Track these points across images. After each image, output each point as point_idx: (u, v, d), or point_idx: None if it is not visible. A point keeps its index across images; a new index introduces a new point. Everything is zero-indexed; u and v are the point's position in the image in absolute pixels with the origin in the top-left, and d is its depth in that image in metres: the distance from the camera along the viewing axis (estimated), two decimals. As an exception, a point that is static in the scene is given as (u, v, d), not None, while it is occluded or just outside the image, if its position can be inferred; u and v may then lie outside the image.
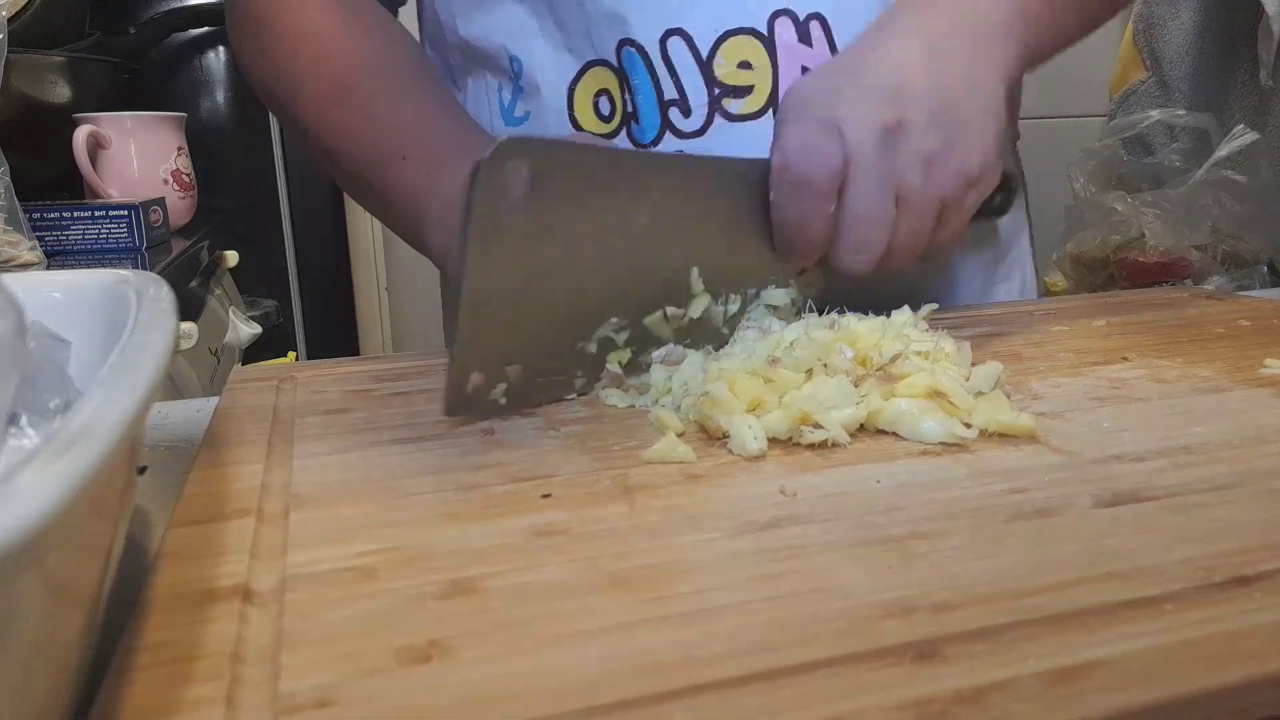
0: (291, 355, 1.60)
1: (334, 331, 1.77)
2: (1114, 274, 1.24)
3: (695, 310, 0.43)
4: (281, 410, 0.40)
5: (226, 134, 1.64)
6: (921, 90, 0.43)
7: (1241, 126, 1.17)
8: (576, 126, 0.55)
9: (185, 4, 1.58)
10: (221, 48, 1.63)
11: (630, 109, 0.53)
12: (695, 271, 0.43)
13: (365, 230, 1.79)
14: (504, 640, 0.22)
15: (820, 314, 0.44)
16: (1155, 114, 1.27)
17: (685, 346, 0.42)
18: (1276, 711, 0.21)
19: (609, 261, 0.40)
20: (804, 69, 0.52)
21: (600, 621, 0.23)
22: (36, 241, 0.93)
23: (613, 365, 0.41)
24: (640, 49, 0.52)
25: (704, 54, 0.52)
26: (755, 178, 0.44)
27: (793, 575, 0.25)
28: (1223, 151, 1.17)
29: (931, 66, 0.43)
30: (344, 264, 1.78)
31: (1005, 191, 0.57)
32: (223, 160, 1.59)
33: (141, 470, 0.38)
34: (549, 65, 0.55)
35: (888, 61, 0.44)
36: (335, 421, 0.38)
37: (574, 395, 0.40)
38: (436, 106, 0.54)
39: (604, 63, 0.54)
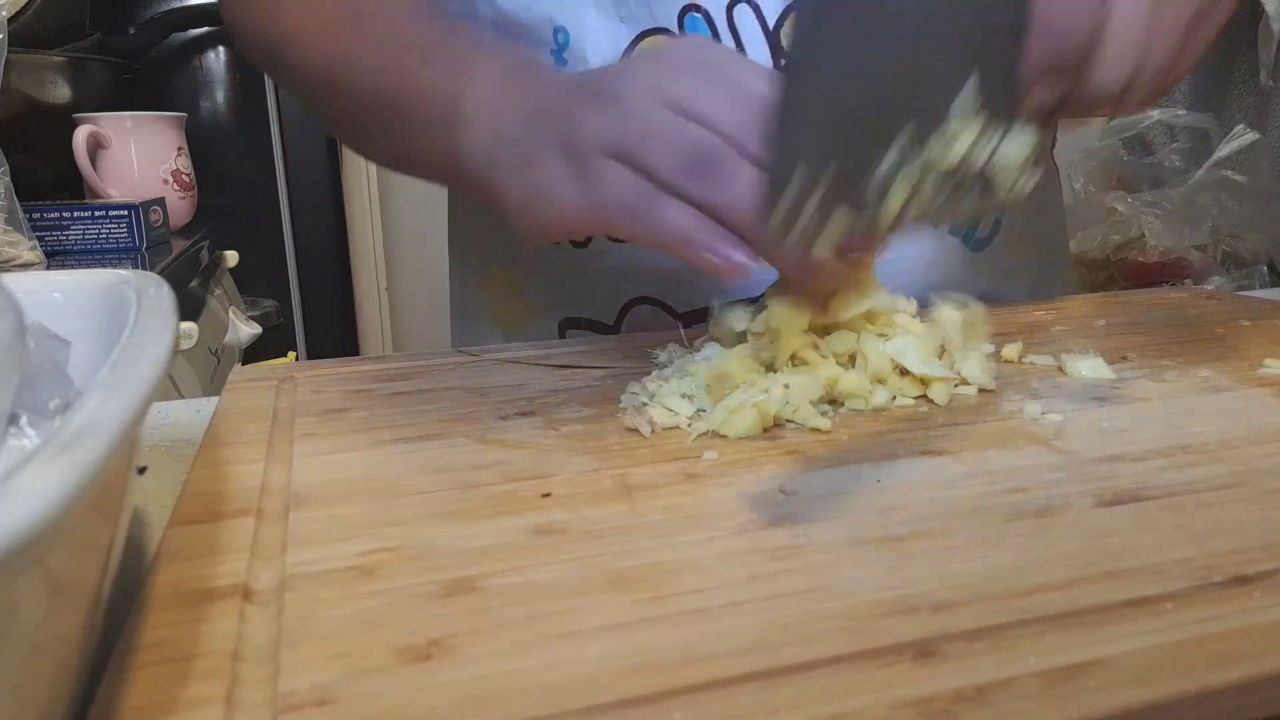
0: (291, 355, 1.60)
1: (334, 331, 1.77)
2: (1114, 274, 1.24)
3: (962, 143, 0.38)
4: (281, 410, 0.40)
5: (226, 134, 1.64)
6: None
7: (1241, 126, 1.17)
8: None
9: (185, 4, 1.58)
10: (222, 48, 1.63)
11: None
12: (973, 81, 0.37)
13: (365, 230, 1.79)
14: (504, 639, 0.22)
15: None
16: (1155, 114, 1.27)
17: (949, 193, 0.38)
18: (1276, 710, 0.21)
19: (899, 61, 0.36)
20: None
21: (600, 620, 0.23)
22: (36, 241, 0.93)
23: (892, 206, 0.36)
24: (706, 15, 0.52)
25: (771, 23, 0.52)
26: None
27: (792, 574, 0.25)
28: (1223, 151, 1.17)
29: None
30: (344, 264, 1.78)
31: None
32: (223, 160, 1.59)
33: (141, 470, 0.38)
34: (601, 36, 0.54)
35: None
36: (335, 421, 0.38)
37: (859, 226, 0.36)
38: (453, 21, 0.52)
39: (663, 31, 0.53)
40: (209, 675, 0.21)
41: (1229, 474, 0.31)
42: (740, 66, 0.39)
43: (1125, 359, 0.44)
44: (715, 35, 0.52)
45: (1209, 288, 1.00)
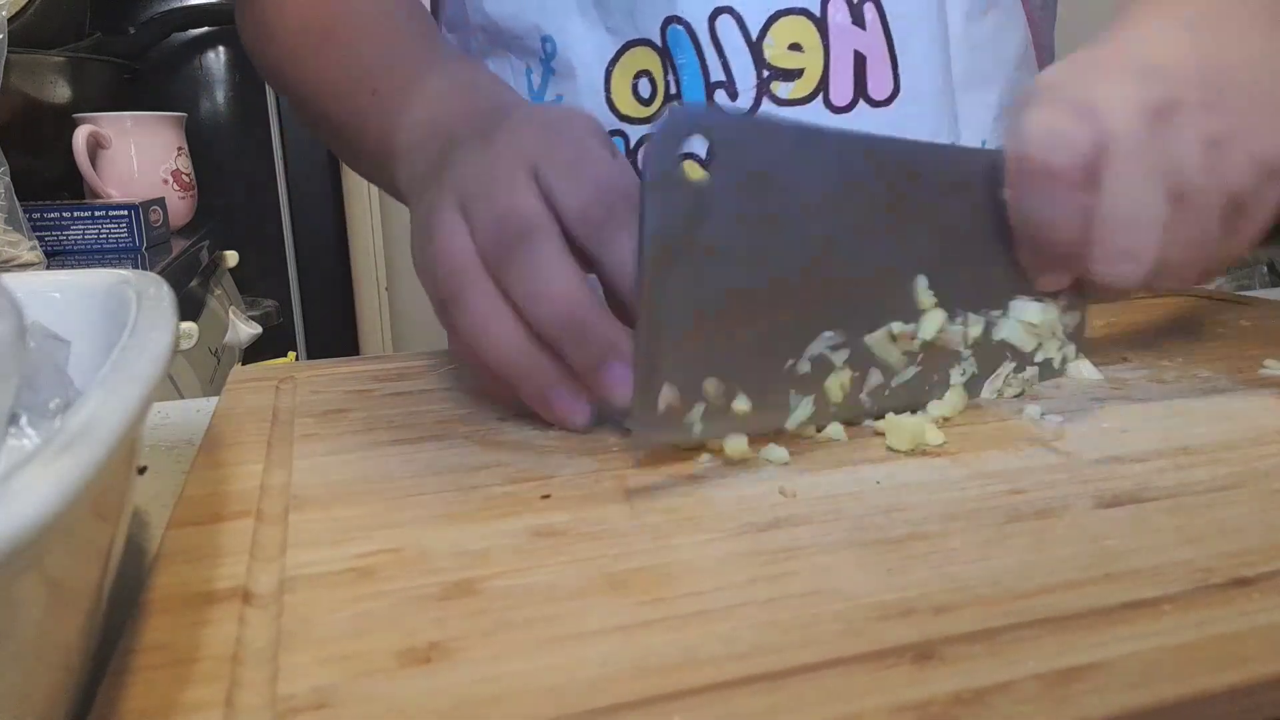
0: (291, 355, 1.60)
1: (334, 331, 1.77)
2: (1114, 274, 1.24)
3: (928, 329, 0.36)
4: (281, 410, 0.40)
5: (226, 134, 1.64)
6: (1193, 66, 0.36)
7: (1242, 127, 1.17)
8: (613, 109, 0.54)
9: (185, 4, 1.58)
10: (222, 48, 1.63)
11: (674, 91, 0.52)
12: (921, 281, 0.36)
13: (365, 230, 1.79)
14: (503, 642, 0.22)
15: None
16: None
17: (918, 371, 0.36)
18: (1276, 713, 0.21)
19: (813, 259, 0.33)
20: (857, 53, 0.51)
21: (600, 623, 0.23)
22: (36, 241, 0.93)
23: (833, 392, 0.35)
24: (688, 27, 0.51)
25: (754, 34, 0.51)
26: (989, 170, 0.37)
27: (792, 577, 0.25)
28: (1223, 152, 1.17)
29: (1202, 40, 0.37)
30: (344, 264, 1.78)
31: None
32: (223, 160, 1.59)
33: (141, 470, 0.38)
34: (586, 45, 0.53)
35: (1147, 38, 0.37)
36: (335, 422, 0.38)
37: (789, 428, 0.34)
38: (410, 38, 0.52)
39: (646, 42, 0.52)
40: (208, 678, 0.21)
41: (1229, 475, 0.31)
42: (608, 160, 0.36)
43: (1125, 359, 0.44)
44: (697, 47, 0.51)
45: (1209, 288, 1.00)
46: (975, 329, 0.38)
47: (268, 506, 0.30)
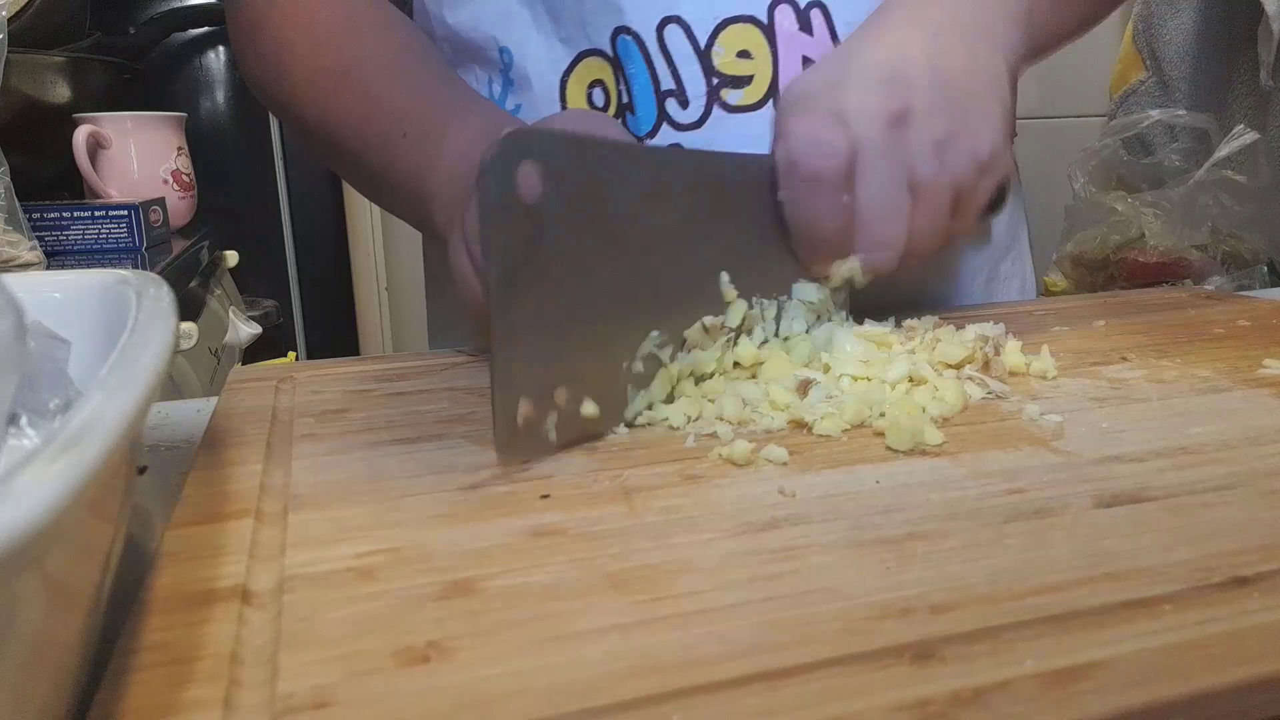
0: (291, 355, 1.60)
1: (334, 331, 1.77)
2: (1114, 274, 1.24)
3: (733, 318, 0.41)
4: (281, 410, 0.40)
5: (226, 134, 1.64)
6: (924, 75, 0.42)
7: (1241, 126, 1.17)
8: None
9: (185, 4, 1.58)
10: (221, 48, 1.63)
11: (626, 100, 0.53)
12: (725, 276, 0.40)
13: (365, 230, 1.79)
14: (502, 641, 0.22)
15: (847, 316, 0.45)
16: (1155, 114, 1.27)
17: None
18: (1275, 712, 0.21)
19: (639, 266, 0.37)
20: (805, 59, 0.52)
21: (598, 622, 0.23)
22: (36, 241, 0.93)
23: (663, 386, 0.38)
24: (636, 37, 0.51)
25: (702, 43, 0.51)
26: (763, 175, 0.42)
27: (791, 576, 0.25)
28: (1223, 151, 1.17)
29: (932, 51, 0.43)
30: (344, 264, 1.78)
31: (999, 188, 0.57)
32: (223, 160, 1.59)
33: (141, 470, 0.38)
34: (541, 56, 0.54)
35: (886, 50, 0.43)
36: (335, 422, 0.38)
37: (625, 426, 0.37)
38: (436, 81, 0.53)
39: (598, 52, 0.53)
40: (207, 678, 0.21)
41: (1228, 475, 0.31)
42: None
43: (1125, 359, 0.44)
44: (646, 57, 0.52)
45: (1209, 288, 1.00)
46: (770, 312, 0.43)
47: (267, 506, 0.30)
